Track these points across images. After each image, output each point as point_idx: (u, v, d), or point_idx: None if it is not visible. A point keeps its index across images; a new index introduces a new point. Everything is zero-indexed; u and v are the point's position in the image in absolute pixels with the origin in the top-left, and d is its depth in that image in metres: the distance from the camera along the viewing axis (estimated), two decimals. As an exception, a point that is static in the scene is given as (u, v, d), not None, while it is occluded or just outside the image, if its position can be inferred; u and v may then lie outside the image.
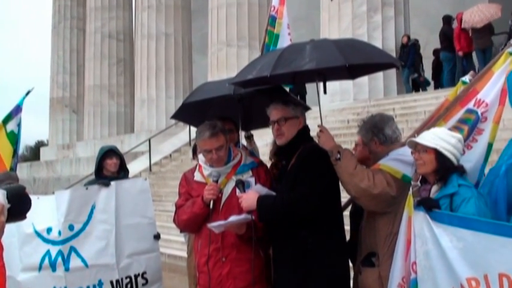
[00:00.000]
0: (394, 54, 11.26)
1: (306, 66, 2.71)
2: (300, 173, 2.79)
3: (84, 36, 21.90)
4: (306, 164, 2.79)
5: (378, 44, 11.04)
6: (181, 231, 5.07)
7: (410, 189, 2.57)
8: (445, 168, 2.49)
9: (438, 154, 2.50)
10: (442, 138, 2.52)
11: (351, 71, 3.18)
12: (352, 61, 2.78)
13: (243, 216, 2.85)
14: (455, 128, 2.75)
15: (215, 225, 2.86)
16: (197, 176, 3.10)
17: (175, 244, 8.30)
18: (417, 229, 2.43)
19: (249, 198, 2.83)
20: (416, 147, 2.56)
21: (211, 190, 2.93)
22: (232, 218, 2.85)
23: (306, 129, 2.99)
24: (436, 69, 12.97)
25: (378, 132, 2.96)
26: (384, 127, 2.97)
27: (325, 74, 2.99)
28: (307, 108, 3.65)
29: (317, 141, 2.88)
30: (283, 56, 2.82)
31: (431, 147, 2.50)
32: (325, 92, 3.00)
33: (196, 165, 3.16)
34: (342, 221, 2.95)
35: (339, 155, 2.75)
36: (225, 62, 14.60)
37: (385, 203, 2.75)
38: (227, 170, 3.01)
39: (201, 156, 3.11)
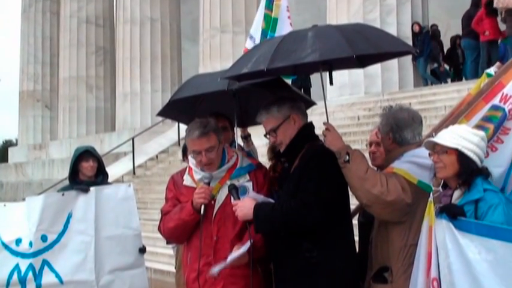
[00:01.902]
0: (410, 42, 11.27)
1: (307, 58, 2.71)
2: (303, 177, 2.79)
3: (58, 21, 21.85)
4: (309, 167, 2.79)
5: (392, 30, 11.05)
6: (167, 243, 5.05)
7: (431, 195, 2.56)
8: (468, 170, 2.48)
9: (460, 155, 2.49)
10: (463, 137, 2.51)
11: (361, 59, 3.17)
12: (360, 51, 2.77)
13: (242, 248, 2.84)
14: (479, 127, 2.73)
15: (216, 270, 2.85)
16: (187, 180, 3.10)
17: (162, 257, 8.30)
18: (439, 240, 2.43)
19: (245, 206, 2.83)
20: (435, 148, 2.55)
21: (202, 193, 2.93)
22: (233, 255, 2.84)
23: (308, 126, 2.98)
24: (450, 59, 12.95)
25: (396, 130, 2.96)
26: (405, 129, 2.96)
27: (330, 63, 2.98)
28: (311, 103, 3.65)
29: (323, 140, 2.88)
30: (282, 46, 2.81)
31: (452, 148, 2.49)
32: (331, 83, 3.00)
33: (186, 167, 3.16)
34: (351, 231, 2.95)
35: (347, 157, 2.74)
36: (219, 50, 14.60)
37: (399, 212, 2.76)
38: (221, 174, 3.01)
39: (191, 158, 3.11)
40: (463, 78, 12.37)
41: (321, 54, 2.72)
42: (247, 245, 2.84)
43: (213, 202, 2.98)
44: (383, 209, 2.75)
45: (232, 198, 2.93)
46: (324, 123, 2.89)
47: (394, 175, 2.78)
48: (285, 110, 2.93)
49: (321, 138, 2.94)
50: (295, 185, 2.81)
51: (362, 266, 3.01)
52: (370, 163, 2.95)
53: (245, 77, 3.08)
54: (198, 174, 3.04)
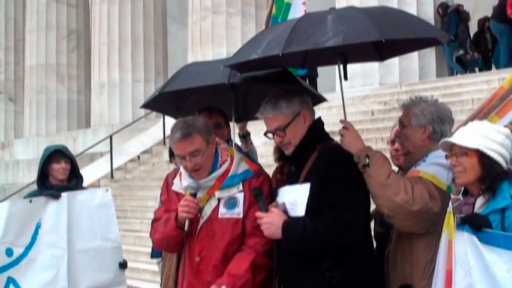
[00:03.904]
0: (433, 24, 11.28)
1: (329, 43, 2.68)
2: (326, 187, 2.76)
3: (24, 1, 21.80)
4: (332, 176, 2.77)
5: (412, 10, 11.05)
6: (152, 256, 5.04)
7: (450, 204, 2.55)
8: (492, 174, 2.47)
9: (482, 156, 2.48)
10: (485, 136, 2.49)
11: (380, 50, 3.16)
12: (390, 35, 2.75)
13: None
14: None
15: None
16: (176, 185, 3.10)
17: (145, 274, 8.31)
18: (458, 255, 2.43)
19: (272, 223, 2.80)
20: (453, 150, 2.54)
21: (186, 207, 2.91)
22: None
23: (318, 123, 2.98)
24: (478, 44, 12.96)
25: (437, 123, 2.94)
26: (446, 122, 2.96)
27: (345, 54, 2.97)
28: (320, 99, 3.65)
29: (340, 141, 2.86)
30: (298, 28, 2.79)
31: (472, 149, 2.48)
32: (345, 77, 2.99)
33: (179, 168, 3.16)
34: (373, 245, 2.96)
35: (367, 160, 2.74)
36: (211, 34, 14.58)
37: (426, 222, 2.75)
38: (209, 183, 2.98)
39: None
40: (493, 67, 12.39)
41: (345, 37, 2.69)
42: None
43: (199, 215, 2.96)
44: (408, 220, 2.74)
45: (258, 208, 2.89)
46: (341, 121, 2.88)
47: (420, 180, 2.77)
48: (295, 106, 2.91)
49: (332, 136, 2.95)
50: (314, 195, 2.79)
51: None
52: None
53: (249, 66, 3.07)
54: (185, 181, 3.03)
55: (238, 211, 2.96)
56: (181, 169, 3.08)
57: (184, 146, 2.92)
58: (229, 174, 3.01)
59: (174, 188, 3.10)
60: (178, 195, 3.06)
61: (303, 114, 2.92)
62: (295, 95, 2.95)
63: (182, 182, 3.05)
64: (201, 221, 2.98)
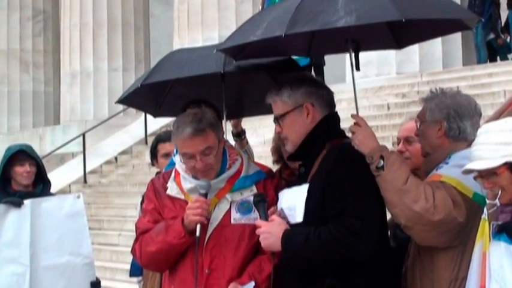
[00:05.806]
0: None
1: (340, 22, 2.68)
2: (329, 191, 2.76)
3: (-18, -24, 21.84)
4: (336, 178, 2.76)
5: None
6: (131, 274, 5.04)
7: (485, 210, 2.56)
8: None
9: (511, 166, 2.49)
10: (504, 142, 2.49)
11: (397, 36, 3.16)
12: (411, 15, 2.75)
13: None
14: None
15: None
16: (172, 189, 3.08)
17: (124, 295, 8.33)
18: (494, 268, 2.43)
19: (272, 233, 2.80)
20: (480, 173, 2.54)
21: (199, 209, 2.89)
22: None
23: (330, 118, 2.96)
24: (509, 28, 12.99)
25: (454, 118, 2.93)
26: (465, 119, 2.94)
27: (357, 40, 2.97)
28: None
29: (351, 138, 2.86)
30: (304, 7, 2.79)
31: (499, 166, 2.48)
32: (357, 67, 2.99)
33: (172, 170, 3.15)
34: (388, 260, 2.93)
35: (382, 162, 2.73)
36: (200, 15, 14.59)
37: (449, 234, 2.75)
38: (219, 185, 3.00)
39: (178, 159, 3.11)
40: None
41: (358, 17, 2.69)
42: (251, 285, 2.84)
43: (206, 222, 2.95)
44: (428, 232, 2.74)
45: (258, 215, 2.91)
46: (353, 116, 2.88)
47: (443, 185, 2.77)
48: (298, 96, 2.91)
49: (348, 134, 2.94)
50: (316, 199, 2.79)
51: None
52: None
53: (246, 52, 3.07)
54: (188, 183, 3.03)
55: (256, 216, 2.97)
56: (180, 169, 3.07)
57: (195, 144, 2.91)
58: (241, 175, 3.04)
59: (169, 192, 3.08)
60: (174, 201, 3.05)
61: (307, 108, 2.90)
62: (303, 84, 2.94)
63: (183, 185, 3.04)
64: (211, 228, 2.97)
